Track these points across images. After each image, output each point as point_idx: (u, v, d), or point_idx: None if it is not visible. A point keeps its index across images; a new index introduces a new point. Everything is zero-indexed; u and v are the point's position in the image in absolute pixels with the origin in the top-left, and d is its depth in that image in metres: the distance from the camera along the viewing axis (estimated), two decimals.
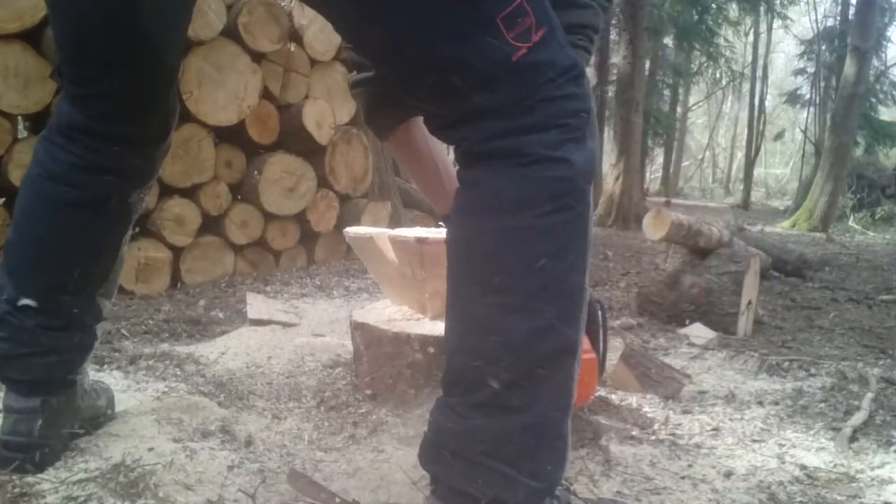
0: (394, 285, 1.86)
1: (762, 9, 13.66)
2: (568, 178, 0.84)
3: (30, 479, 1.10)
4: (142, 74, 1.10)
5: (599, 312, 1.50)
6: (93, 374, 1.73)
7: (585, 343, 1.39)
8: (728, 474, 1.42)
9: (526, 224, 0.84)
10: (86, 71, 1.09)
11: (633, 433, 1.63)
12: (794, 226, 10.44)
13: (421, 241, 1.63)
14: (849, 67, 10.24)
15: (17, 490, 1.06)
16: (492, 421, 0.84)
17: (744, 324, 3.06)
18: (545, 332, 0.84)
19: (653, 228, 3.11)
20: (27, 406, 1.14)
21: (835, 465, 1.52)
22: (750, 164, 17.01)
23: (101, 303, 1.25)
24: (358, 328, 1.73)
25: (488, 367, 0.84)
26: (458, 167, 0.91)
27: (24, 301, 1.14)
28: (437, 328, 1.61)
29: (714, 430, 1.71)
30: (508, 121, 0.84)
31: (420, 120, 1.29)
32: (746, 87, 18.96)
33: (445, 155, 1.39)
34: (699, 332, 2.85)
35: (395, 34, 0.85)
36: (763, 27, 17.79)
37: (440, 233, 1.80)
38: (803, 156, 18.25)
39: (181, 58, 1.23)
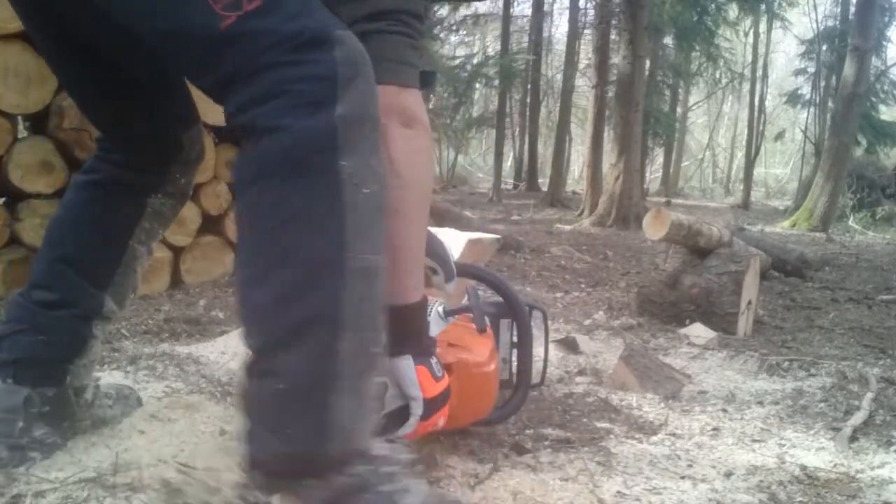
0: None
1: (761, 8, 13.66)
2: (292, 144, 0.84)
3: (29, 479, 1.10)
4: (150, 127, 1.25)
5: (542, 319, 1.47)
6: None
7: (483, 355, 1.26)
8: (728, 474, 1.41)
9: (261, 198, 0.86)
10: (101, 122, 1.27)
11: (633, 433, 1.63)
12: (794, 226, 10.45)
13: None
14: (849, 67, 10.25)
15: (15, 490, 1.06)
16: (256, 385, 0.87)
17: (744, 324, 3.06)
18: (286, 301, 0.85)
19: (653, 228, 3.11)
20: (10, 404, 1.14)
21: (835, 465, 1.52)
22: (750, 164, 17.02)
23: (106, 301, 1.25)
24: None
25: (248, 335, 0.88)
26: None
27: (34, 281, 1.21)
28: None
29: (714, 430, 1.71)
30: (240, 94, 0.85)
31: None
32: (746, 87, 18.95)
33: None
34: (699, 332, 2.85)
35: (117, 9, 0.90)
36: (763, 27, 17.79)
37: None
38: (803, 156, 18.25)
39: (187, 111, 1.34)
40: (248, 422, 0.88)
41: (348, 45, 0.88)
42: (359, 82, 0.88)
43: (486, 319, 1.34)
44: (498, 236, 1.85)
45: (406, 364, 1.11)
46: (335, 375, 0.85)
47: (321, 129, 0.84)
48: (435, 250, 1.36)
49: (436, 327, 1.23)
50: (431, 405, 1.10)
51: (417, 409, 1.10)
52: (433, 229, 1.54)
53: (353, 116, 0.86)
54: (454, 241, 1.71)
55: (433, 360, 1.13)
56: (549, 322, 3.00)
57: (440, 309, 1.27)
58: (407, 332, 1.10)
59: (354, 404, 0.88)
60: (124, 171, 1.25)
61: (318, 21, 0.88)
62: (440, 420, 1.15)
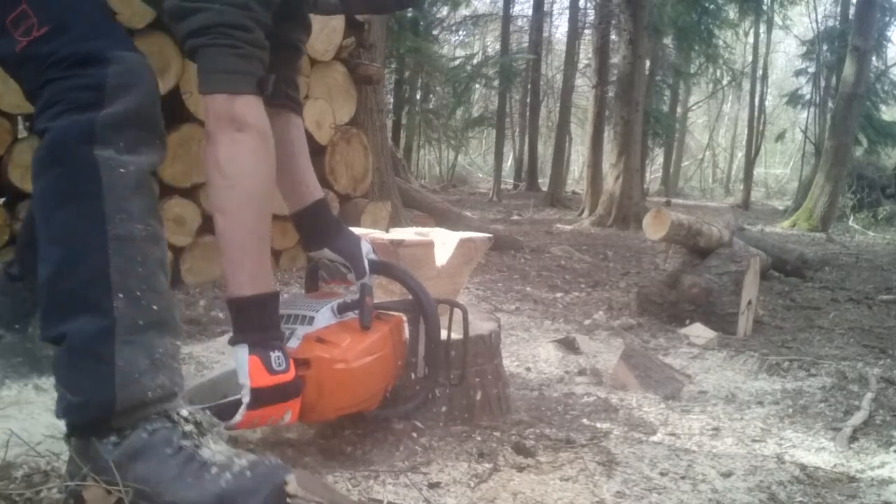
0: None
1: (761, 10, 13.65)
2: (53, 139, 1.01)
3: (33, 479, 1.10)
4: None
5: (461, 315, 1.46)
6: None
7: (351, 352, 1.25)
8: (728, 474, 1.42)
9: (38, 190, 1.04)
10: None
11: (633, 433, 1.64)
12: (794, 226, 10.44)
13: (397, 243, 1.62)
14: (848, 67, 10.24)
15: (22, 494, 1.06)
16: (54, 351, 1.01)
17: (744, 324, 3.06)
18: (61, 272, 1.01)
19: (653, 228, 3.12)
20: None
21: (835, 465, 1.52)
22: (750, 164, 17.00)
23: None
24: None
25: (41, 309, 1.04)
26: None
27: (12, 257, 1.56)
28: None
29: (714, 430, 1.71)
30: (35, 106, 1.05)
31: (281, 116, 1.49)
32: (746, 87, 18.94)
33: (296, 156, 1.49)
34: (699, 332, 2.85)
35: None
36: (763, 27, 17.77)
37: (425, 234, 1.79)
38: (803, 156, 18.22)
39: None
40: (56, 386, 1.01)
41: (126, 62, 1.05)
42: (132, 92, 1.04)
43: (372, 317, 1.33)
44: (490, 235, 1.85)
45: (241, 352, 1.14)
46: (114, 330, 0.99)
47: (78, 125, 1.01)
48: (349, 250, 1.43)
49: (323, 321, 1.28)
50: (261, 395, 1.12)
51: (245, 396, 1.13)
52: (357, 230, 1.58)
53: (115, 118, 1.02)
54: (445, 241, 1.70)
55: (274, 353, 1.14)
56: (549, 322, 3.01)
57: (335, 305, 1.31)
58: (244, 322, 1.15)
59: (139, 355, 1.00)
60: None
61: (97, 43, 1.05)
62: (283, 413, 1.16)
